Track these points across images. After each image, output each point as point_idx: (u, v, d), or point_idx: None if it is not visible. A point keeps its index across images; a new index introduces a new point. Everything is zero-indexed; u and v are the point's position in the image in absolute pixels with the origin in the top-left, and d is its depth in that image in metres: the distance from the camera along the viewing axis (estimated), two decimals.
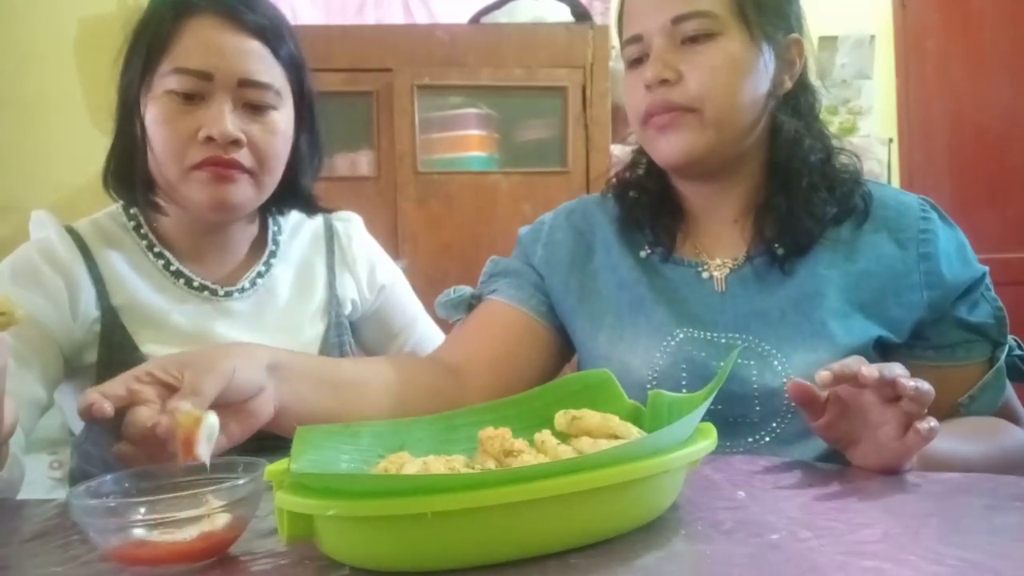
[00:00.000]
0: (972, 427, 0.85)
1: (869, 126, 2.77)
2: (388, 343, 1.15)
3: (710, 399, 0.61)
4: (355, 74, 2.13)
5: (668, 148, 0.89)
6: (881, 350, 0.86)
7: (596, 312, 0.96)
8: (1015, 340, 0.91)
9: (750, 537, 0.55)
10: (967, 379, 0.88)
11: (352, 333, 1.10)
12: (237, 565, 0.56)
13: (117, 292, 0.95)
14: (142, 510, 0.56)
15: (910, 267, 0.87)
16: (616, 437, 0.63)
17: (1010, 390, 0.91)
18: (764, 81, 0.89)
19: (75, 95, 2.33)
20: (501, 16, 2.28)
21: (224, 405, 0.71)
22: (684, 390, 0.86)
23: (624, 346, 0.92)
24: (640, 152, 1.00)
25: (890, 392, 0.67)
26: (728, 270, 0.92)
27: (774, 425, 0.85)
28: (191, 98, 0.90)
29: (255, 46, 0.92)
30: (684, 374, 0.88)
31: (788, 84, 0.92)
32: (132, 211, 1.00)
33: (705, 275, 0.93)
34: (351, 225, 1.14)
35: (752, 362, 0.86)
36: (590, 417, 0.65)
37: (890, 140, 2.79)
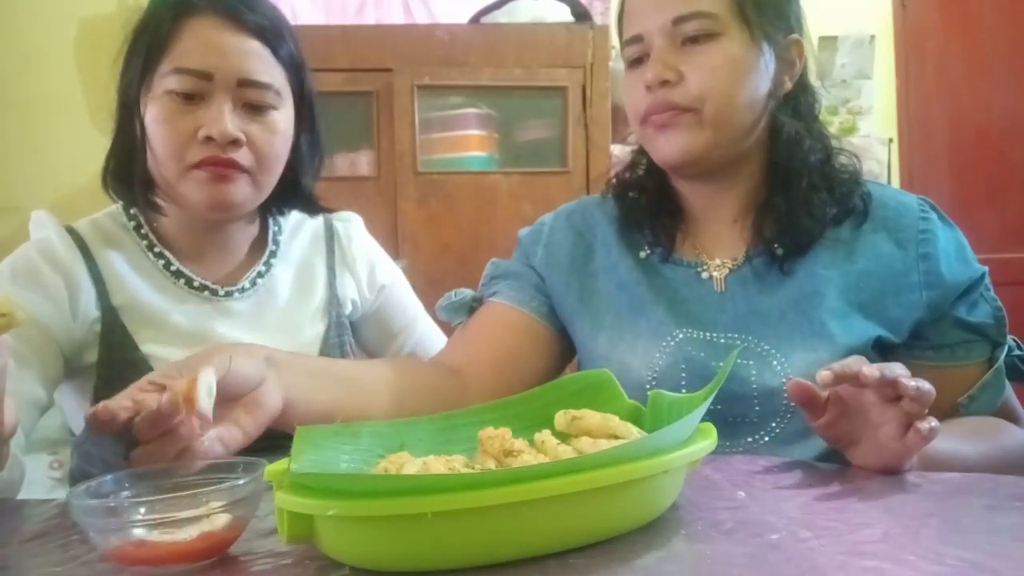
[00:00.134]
0: (972, 427, 0.85)
1: (869, 126, 2.77)
2: (388, 343, 1.15)
3: (710, 399, 0.61)
4: (355, 74, 2.13)
5: (667, 147, 0.89)
6: (880, 350, 0.86)
7: (596, 313, 0.96)
8: (1014, 340, 0.91)
9: (750, 537, 0.55)
10: (966, 379, 0.88)
11: (352, 333, 1.10)
12: (237, 565, 0.56)
13: (117, 292, 0.95)
14: (142, 510, 0.56)
15: (909, 267, 0.87)
16: (616, 437, 0.63)
17: (1009, 390, 0.91)
18: (764, 82, 0.89)
19: (75, 95, 2.34)
20: (501, 16, 2.29)
21: (231, 400, 0.70)
22: (684, 390, 0.86)
23: (624, 346, 0.92)
24: (640, 152, 1.00)
25: (891, 392, 0.67)
26: (727, 270, 0.92)
27: (773, 425, 0.85)
28: (191, 98, 0.90)
29: (255, 46, 0.92)
30: (683, 374, 0.88)
31: (788, 85, 0.92)
32: (132, 211, 1.00)
33: (704, 275, 0.93)
34: (351, 225, 1.14)
35: (751, 362, 0.86)
36: (590, 417, 0.65)
37: (890, 140, 2.79)
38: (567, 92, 2.18)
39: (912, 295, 0.86)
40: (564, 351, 1.01)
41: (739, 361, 0.86)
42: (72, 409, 0.98)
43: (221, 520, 0.55)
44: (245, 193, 0.94)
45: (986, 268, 0.89)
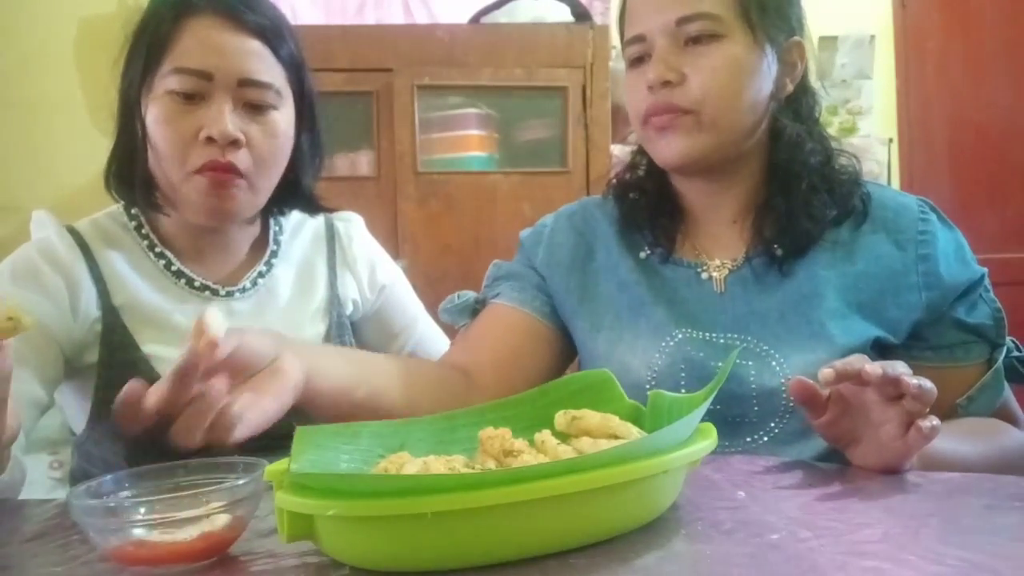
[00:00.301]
0: (971, 428, 0.85)
1: (869, 126, 2.77)
2: (388, 343, 1.15)
3: (710, 399, 0.61)
4: (355, 74, 2.13)
5: (667, 149, 0.89)
6: (879, 351, 0.86)
7: (596, 313, 0.96)
8: (1013, 341, 0.91)
9: (750, 537, 0.55)
10: (965, 380, 0.88)
11: (353, 333, 1.10)
12: (237, 565, 0.56)
13: (118, 292, 0.95)
14: (142, 510, 0.56)
15: (908, 268, 0.87)
16: (616, 437, 0.63)
17: (1008, 391, 0.91)
18: (766, 84, 0.89)
19: (75, 95, 2.33)
20: (501, 16, 2.29)
21: (248, 374, 0.70)
22: (683, 390, 0.86)
23: (623, 347, 0.92)
24: (640, 153, 1.00)
25: (892, 390, 0.67)
26: (727, 271, 0.92)
27: (772, 425, 0.85)
28: (191, 98, 0.90)
29: (255, 46, 0.92)
30: (683, 374, 0.88)
31: (789, 87, 0.92)
32: (133, 211, 1.00)
33: (704, 276, 0.93)
34: (352, 225, 1.14)
35: (750, 362, 0.86)
36: (590, 417, 0.65)
37: (890, 140, 2.79)
38: (567, 92, 2.18)
39: (911, 296, 0.86)
40: (567, 350, 1.02)
41: (738, 361, 0.86)
42: (72, 409, 0.98)
43: (221, 520, 0.55)
44: (243, 201, 0.94)
45: (985, 269, 0.89)
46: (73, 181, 2.23)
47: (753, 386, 0.85)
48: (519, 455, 0.60)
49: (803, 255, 0.89)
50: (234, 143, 0.90)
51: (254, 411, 0.69)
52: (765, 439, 0.86)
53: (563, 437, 0.65)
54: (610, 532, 0.55)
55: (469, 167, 2.20)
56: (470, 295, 1.04)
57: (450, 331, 1.14)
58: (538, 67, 2.19)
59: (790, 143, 0.90)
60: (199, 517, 0.55)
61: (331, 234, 1.12)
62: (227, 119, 0.90)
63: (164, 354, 0.94)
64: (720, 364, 0.86)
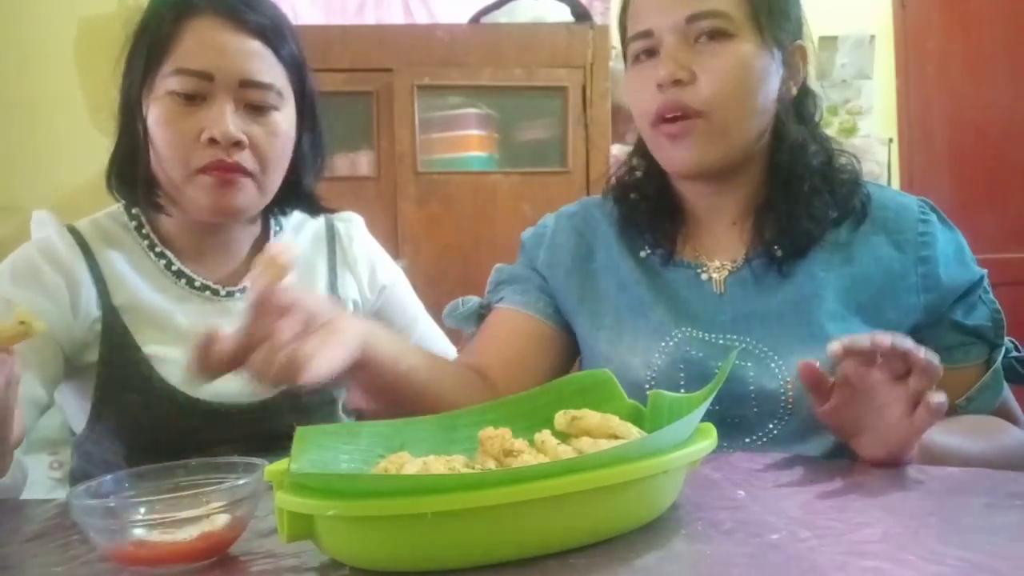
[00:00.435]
0: (971, 425, 0.85)
1: (869, 126, 2.77)
2: None
3: (710, 399, 0.61)
4: (355, 74, 2.13)
5: (679, 157, 0.88)
6: None
7: (597, 313, 0.96)
8: (1012, 342, 0.91)
9: (750, 537, 0.55)
10: (964, 381, 0.88)
11: None
12: (237, 565, 0.56)
13: (118, 292, 0.95)
14: (142, 510, 0.56)
15: (908, 270, 0.87)
16: (616, 437, 0.63)
17: (1007, 391, 0.91)
18: (773, 86, 0.89)
19: (75, 95, 2.33)
20: (501, 16, 2.29)
21: (311, 330, 0.69)
22: (682, 390, 0.86)
23: (623, 347, 0.92)
24: (638, 155, 1.00)
25: (899, 367, 0.67)
26: (727, 272, 0.92)
27: (771, 427, 0.85)
28: (192, 99, 0.90)
29: (256, 46, 0.92)
30: (682, 374, 0.88)
31: (793, 90, 0.92)
32: (134, 211, 1.00)
33: (704, 276, 0.93)
34: (352, 225, 1.14)
35: (749, 364, 0.86)
36: (590, 417, 0.65)
37: (890, 140, 2.79)
38: (567, 92, 2.18)
39: (910, 298, 0.86)
40: (573, 349, 1.02)
41: (737, 362, 0.86)
42: (72, 409, 0.98)
43: (221, 520, 0.55)
44: (249, 197, 0.94)
45: (984, 271, 0.89)
46: (73, 181, 2.23)
47: (752, 387, 0.85)
48: (519, 455, 0.60)
49: (803, 256, 0.89)
50: (237, 144, 0.90)
51: (323, 355, 0.67)
52: (764, 440, 0.86)
53: (563, 437, 0.65)
54: (610, 532, 0.55)
55: (469, 167, 2.20)
56: (475, 300, 1.04)
57: (450, 331, 1.14)
58: (538, 67, 2.18)
59: (793, 146, 0.90)
60: (199, 517, 0.55)
61: (331, 234, 1.12)
62: (229, 120, 0.90)
63: (164, 354, 0.94)
64: (719, 364, 0.86)
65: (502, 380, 0.93)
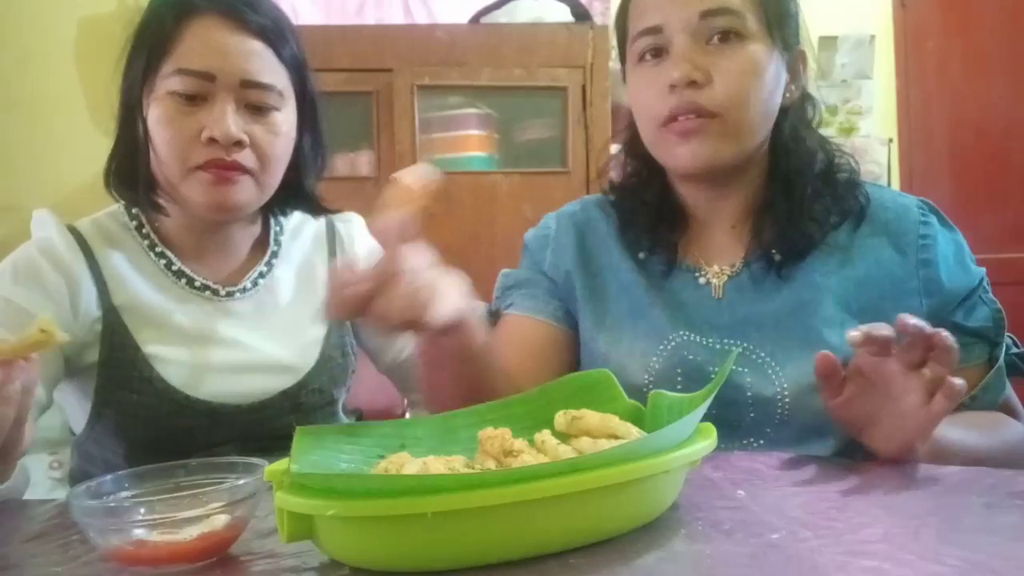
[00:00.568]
0: (974, 421, 0.84)
1: (869, 126, 2.77)
2: (389, 344, 1.15)
3: (710, 399, 0.61)
4: (355, 74, 2.13)
5: (690, 155, 0.86)
6: None
7: (598, 314, 0.96)
8: (1011, 338, 0.91)
9: (750, 537, 0.55)
10: (968, 381, 0.87)
11: (353, 334, 1.10)
12: (237, 565, 0.56)
13: (118, 292, 0.95)
14: (142, 510, 0.56)
15: (909, 273, 0.87)
16: (616, 437, 0.63)
17: (1009, 387, 0.91)
18: (780, 90, 0.88)
19: (75, 95, 2.34)
20: (501, 16, 2.29)
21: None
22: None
23: (622, 349, 0.92)
24: (634, 157, 0.99)
25: (915, 356, 0.67)
26: (726, 277, 0.92)
27: (768, 431, 0.86)
28: (193, 99, 0.90)
29: (257, 47, 0.92)
30: (680, 378, 0.88)
31: (795, 94, 0.91)
32: (134, 211, 1.00)
33: (702, 281, 0.93)
34: (352, 226, 1.14)
35: (746, 369, 0.86)
36: (590, 417, 0.65)
37: (890, 140, 2.79)
38: (567, 92, 2.18)
39: (911, 302, 0.86)
40: None
41: (735, 368, 0.86)
42: (72, 409, 0.98)
43: (221, 520, 0.55)
44: (248, 195, 0.94)
45: (984, 271, 0.89)
46: (73, 181, 2.23)
47: (749, 393, 0.85)
48: (519, 455, 0.60)
49: (802, 260, 0.89)
50: (237, 144, 0.90)
51: (446, 296, 0.67)
52: (761, 442, 0.86)
53: (563, 437, 0.65)
54: (610, 532, 0.55)
55: (469, 167, 2.20)
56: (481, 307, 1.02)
57: None
58: (538, 67, 2.19)
59: (793, 150, 0.90)
60: (199, 517, 0.55)
61: (332, 235, 1.12)
62: (229, 120, 0.90)
63: (164, 354, 0.94)
64: (717, 369, 0.86)
65: (524, 388, 0.92)
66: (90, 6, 2.37)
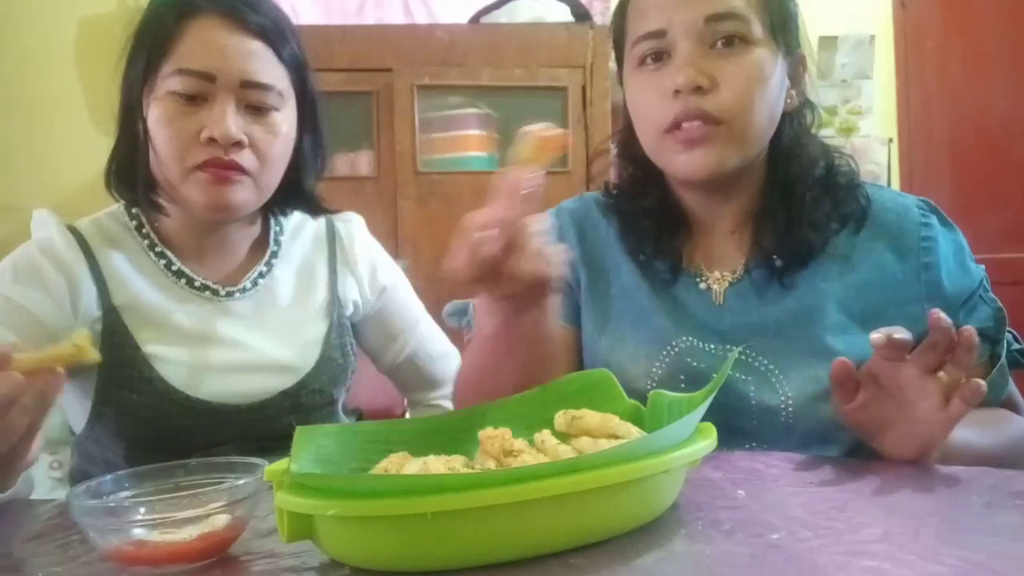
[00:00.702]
0: (978, 419, 0.84)
1: (869, 126, 2.77)
2: (389, 344, 1.15)
3: (710, 398, 0.61)
4: (355, 74, 2.13)
5: (696, 163, 0.84)
6: None
7: (600, 315, 0.95)
8: (1012, 334, 0.90)
9: (750, 537, 0.55)
10: None
11: (353, 334, 1.10)
12: (237, 565, 0.56)
13: (118, 291, 0.95)
14: (142, 510, 0.56)
15: (910, 278, 0.86)
16: (616, 437, 0.63)
17: (1011, 382, 0.90)
18: (782, 95, 0.87)
19: (75, 95, 2.33)
20: (501, 16, 2.29)
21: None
22: None
23: (624, 354, 0.91)
24: (630, 162, 0.97)
25: (932, 360, 0.67)
26: (727, 283, 0.91)
27: (771, 438, 0.85)
28: (193, 99, 0.90)
29: (257, 47, 0.92)
30: (683, 384, 0.87)
31: (795, 100, 0.90)
32: (134, 211, 1.00)
33: (703, 286, 0.92)
34: (353, 226, 1.14)
35: (749, 377, 0.86)
36: (590, 417, 0.65)
37: (890, 140, 2.79)
38: (567, 92, 2.18)
39: (913, 307, 0.85)
40: None
41: (738, 376, 0.85)
42: (72, 409, 0.98)
43: (221, 520, 0.55)
44: (247, 195, 0.94)
45: (984, 269, 0.89)
46: (73, 181, 2.23)
47: (753, 402, 0.85)
48: (519, 455, 0.60)
49: (803, 267, 0.88)
50: (237, 144, 0.90)
51: (559, 257, 0.67)
52: (764, 447, 0.85)
53: (563, 437, 0.65)
54: (610, 532, 0.55)
55: (469, 167, 2.20)
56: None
57: (451, 332, 1.14)
58: (538, 67, 2.19)
59: (795, 157, 0.89)
60: (199, 517, 0.55)
61: (332, 235, 1.12)
62: (229, 120, 0.90)
63: (164, 354, 0.94)
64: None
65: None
66: (90, 6, 2.37)
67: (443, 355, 1.18)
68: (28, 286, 0.90)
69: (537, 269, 0.65)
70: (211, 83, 0.90)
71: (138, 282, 0.97)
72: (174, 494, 0.59)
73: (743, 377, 0.86)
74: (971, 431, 0.78)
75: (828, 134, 0.96)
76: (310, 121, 1.01)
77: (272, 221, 1.07)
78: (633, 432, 0.64)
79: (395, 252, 1.85)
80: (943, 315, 0.67)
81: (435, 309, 1.13)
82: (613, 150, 1.06)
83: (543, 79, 2.19)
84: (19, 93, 2.36)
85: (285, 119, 0.96)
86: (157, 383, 0.92)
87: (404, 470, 0.58)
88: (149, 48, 0.91)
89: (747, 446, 0.86)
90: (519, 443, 0.62)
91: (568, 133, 0.68)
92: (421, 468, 0.58)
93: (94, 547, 0.57)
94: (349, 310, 1.10)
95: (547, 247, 0.66)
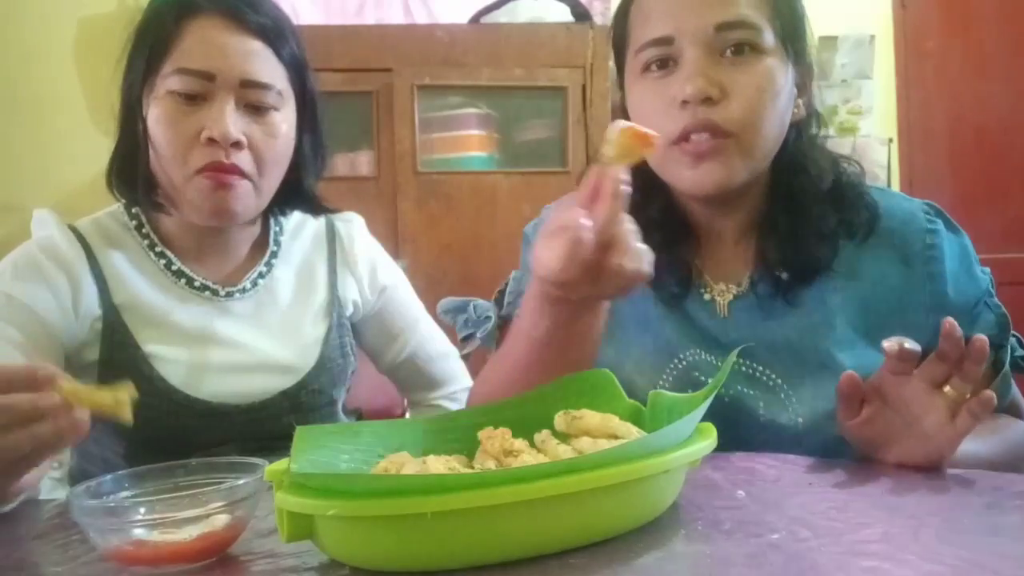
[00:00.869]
0: (981, 424, 0.83)
1: (869, 126, 2.77)
2: (389, 344, 1.15)
3: (710, 399, 0.61)
4: (355, 74, 2.13)
5: (704, 177, 0.81)
6: None
7: (606, 321, 0.93)
8: (1015, 337, 0.89)
9: (750, 537, 0.55)
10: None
11: (353, 334, 1.10)
12: (237, 565, 0.56)
13: (119, 290, 0.95)
14: (142, 510, 0.56)
15: (915, 287, 0.84)
16: (616, 437, 0.63)
17: (1015, 388, 0.90)
18: (791, 106, 0.84)
19: (75, 95, 2.34)
20: (501, 16, 2.29)
21: None
22: None
23: (630, 364, 0.89)
24: (637, 173, 0.95)
25: (939, 374, 0.67)
26: (731, 296, 0.89)
27: (779, 452, 0.84)
28: (193, 99, 0.90)
29: (257, 46, 0.92)
30: None
31: (802, 111, 0.87)
32: (134, 210, 1.00)
33: (707, 297, 0.90)
34: (353, 226, 1.14)
35: (756, 392, 0.84)
36: (590, 417, 0.65)
37: (890, 140, 2.80)
38: (567, 92, 2.19)
39: (917, 317, 0.83)
40: None
41: (746, 391, 0.84)
42: None
43: (221, 520, 0.55)
44: (246, 201, 0.94)
45: (989, 273, 0.87)
46: (73, 181, 2.24)
47: (763, 419, 0.84)
48: (519, 455, 0.60)
49: (809, 283, 0.85)
50: (236, 144, 0.90)
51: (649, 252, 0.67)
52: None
53: (563, 437, 0.65)
54: (610, 532, 0.55)
55: (469, 167, 2.20)
56: (490, 316, 0.97)
57: (451, 331, 1.14)
58: (538, 67, 2.19)
59: (802, 168, 0.86)
60: (199, 517, 0.55)
61: (332, 235, 1.12)
62: (228, 120, 0.90)
63: (164, 353, 0.94)
64: (731, 392, 0.84)
65: None
66: (90, 6, 2.37)
67: (443, 355, 1.18)
68: (30, 284, 0.90)
69: (639, 267, 0.65)
70: (211, 83, 0.90)
71: (138, 282, 0.97)
72: (174, 494, 0.59)
73: (751, 392, 0.85)
74: (974, 440, 0.77)
75: (827, 134, 0.94)
76: (310, 121, 1.01)
77: (272, 221, 1.07)
78: (633, 432, 0.64)
79: (395, 252, 1.85)
80: (956, 325, 0.66)
81: (435, 309, 1.13)
82: None
83: (543, 79, 2.19)
84: (20, 93, 2.36)
85: (285, 119, 0.95)
86: (157, 383, 0.92)
87: (404, 470, 0.58)
88: (149, 48, 0.91)
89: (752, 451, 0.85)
90: (519, 443, 0.62)
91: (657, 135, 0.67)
92: (421, 468, 0.58)
93: (94, 547, 0.57)
94: (349, 310, 1.10)
95: (642, 245, 0.65)
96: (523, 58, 2.18)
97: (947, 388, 0.67)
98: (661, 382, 0.88)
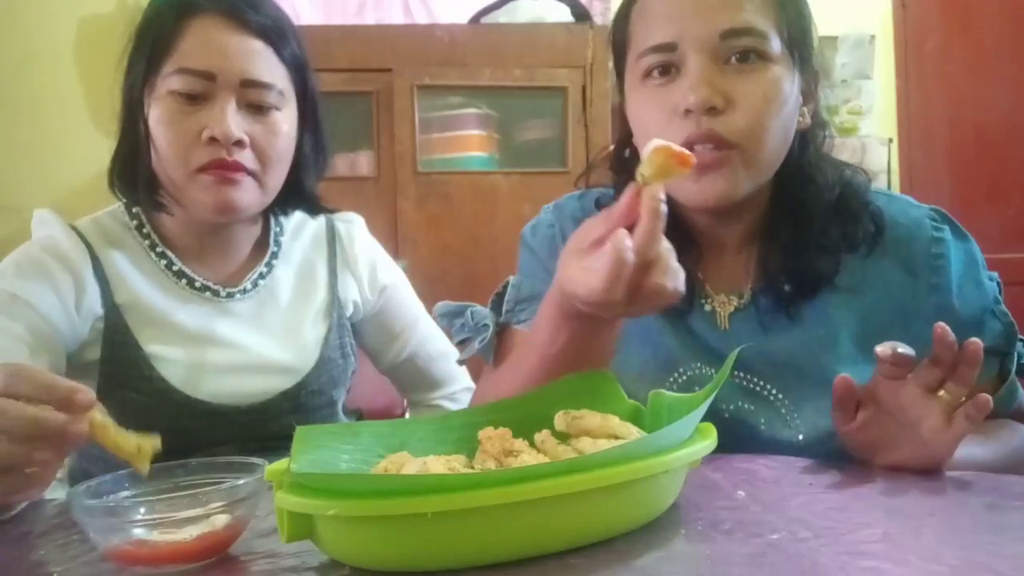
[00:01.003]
0: (982, 428, 0.83)
1: (869, 126, 2.77)
2: (389, 344, 1.15)
3: (710, 399, 0.61)
4: (355, 74, 2.13)
5: (705, 190, 0.78)
6: None
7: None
8: (1022, 342, 0.88)
9: (750, 537, 0.55)
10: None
11: (353, 334, 1.10)
12: (237, 565, 0.56)
13: (120, 290, 0.95)
14: (142, 510, 0.56)
15: (919, 298, 0.82)
16: (616, 437, 0.63)
17: (1021, 393, 0.88)
18: (796, 115, 0.82)
19: (75, 95, 2.34)
20: (501, 16, 2.29)
21: None
22: None
23: (631, 375, 0.87)
24: (626, 177, 0.94)
25: (934, 379, 0.66)
26: (732, 308, 0.87)
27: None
28: (194, 98, 0.90)
29: (258, 46, 0.92)
30: None
31: (807, 119, 0.85)
32: (134, 210, 1.00)
33: (707, 308, 0.88)
34: (353, 226, 1.14)
35: (757, 407, 0.84)
36: (590, 417, 0.65)
37: (890, 140, 2.80)
38: (567, 92, 2.19)
39: (921, 327, 0.79)
40: None
41: (747, 407, 0.84)
42: None
43: (221, 520, 0.56)
44: (251, 196, 0.94)
45: (997, 279, 0.86)
46: (73, 181, 2.24)
47: (765, 436, 0.83)
48: (519, 455, 0.60)
49: (811, 298, 0.84)
50: (237, 143, 0.90)
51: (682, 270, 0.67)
52: None
53: (563, 437, 0.65)
54: (610, 532, 0.55)
55: (469, 167, 2.20)
56: (486, 325, 0.93)
57: (451, 334, 1.13)
58: (538, 67, 2.19)
59: (808, 179, 0.84)
60: (199, 517, 0.55)
61: (332, 235, 1.12)
62: (230, 120, 0.90)
63: (165, 353, 0.94)
64: (731, 407, 0.84)
65: None
66: (90, 6, 2.37)
67: (443, 355, 1.18)
68: (33, 282, 0.90)
69: (677, 286, 0.64)
70: (212, 82, 0.90)
71: (139, 282, 0.97)
72: (174, 494, 0.59)
73: (751, 407, 0.84)
74: (974, 444, 0.76)
75: (831, 135, 0.91)
76: (311, 121, 1.01)
77: (272, 221, 1.07)
78: (633, 432, 0.64)
79: (395, 252, 1.85)
80: (948, 330, 0.66)
81: (435, 309, 1.12)
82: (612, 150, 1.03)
83: (543, 79, 2.19)
84: (19, 93, 2.36)
85: (286, 118, 0.96)
86: (157, 382, 0.92)
87: (404, 470, 0.58)
88: (150, 48, 0.91)
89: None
90: (519, 443, 0.62)
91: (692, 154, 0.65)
92: (421, 468, 0.58)
93: (94, 547, 0.57)
94: (349, 310, 1.10)
95: (676, 262, 0.65)
96: (523, 58, 2.18)
97: (942, 392, 0.67)
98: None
